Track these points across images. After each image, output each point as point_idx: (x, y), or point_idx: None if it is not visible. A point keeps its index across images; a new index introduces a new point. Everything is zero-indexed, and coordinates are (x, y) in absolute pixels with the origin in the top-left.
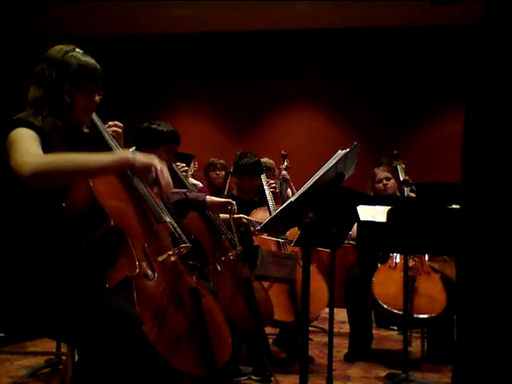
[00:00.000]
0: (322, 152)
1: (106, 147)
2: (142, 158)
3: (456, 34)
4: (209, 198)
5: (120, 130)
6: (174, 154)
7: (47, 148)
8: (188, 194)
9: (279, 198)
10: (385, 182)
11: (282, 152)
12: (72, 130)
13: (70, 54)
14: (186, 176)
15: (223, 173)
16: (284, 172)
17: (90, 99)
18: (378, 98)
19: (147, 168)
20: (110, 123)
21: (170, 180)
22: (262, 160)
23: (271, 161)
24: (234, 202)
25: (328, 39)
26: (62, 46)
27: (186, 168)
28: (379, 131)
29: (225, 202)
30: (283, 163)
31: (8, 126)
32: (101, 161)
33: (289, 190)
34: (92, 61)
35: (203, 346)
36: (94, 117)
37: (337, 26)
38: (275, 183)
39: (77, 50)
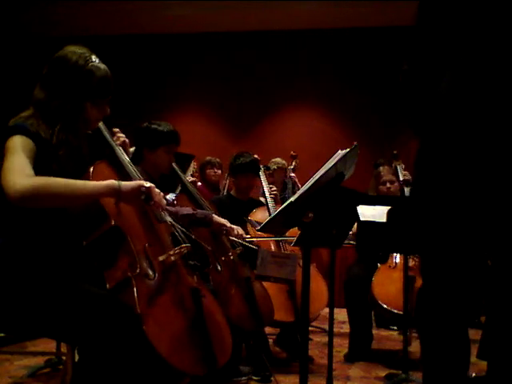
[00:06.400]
0: (322, 152)
1: (109, 148)
2: (128, 183)
3: None
4: (215, 218)
5: (126, 140)
6: (174, 154)
7: (52, 163)
8: (196, 213)
9: (279, 199)
10: (388, 185)
11: (292, 153)
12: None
13: (91, 64)
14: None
15: (220, 171)
16: (292, 174)
17: (101, 111)
18: (378, 98)
19: (135, 190)
20: (118, 134)
21: (162, 197)
22: (274, 160)
23: (284, 161)
24: (229, 226)
25: (328, 39)
26: (79, 51)
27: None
28: (379, 131)
29: (223, 224)
30: (291, 164)
31: (8, 130)
32: (88, 188)
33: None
34: (107, 70)
35: (203, 346)
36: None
37: (337, 26)
38: (287, 182)
39: (93, 57)
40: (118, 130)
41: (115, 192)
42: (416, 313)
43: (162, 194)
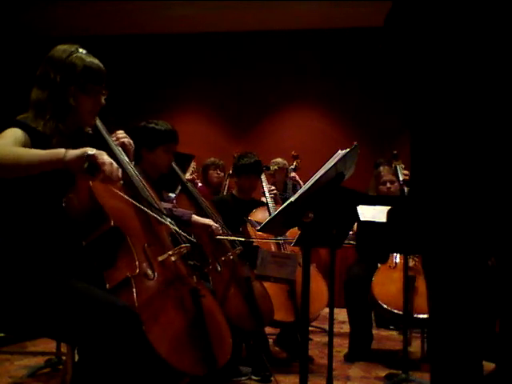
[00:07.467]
0: (322, 152)
1: (107, 148)
2: (74, 150)
3: None
4: (194, 217)
5: (130, 140)
6: (173, 153)
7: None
8: (174, 210)
9: (279, 199)
10: (388, 185)
11: (293, 153)
12: (75, 133)
13: (75, 55)
14: (195, 179)
15: (223, 174)
16: (293, 173)
17: (95, 101)
18: (378, 98)
19: (79, 158)
20: (119, 135)
21: (117, 168)
22: (275, 160)
23: (285, 161)
24: (214, 226)
25: (328, 39)
26: (65, 47)
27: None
28: (379, 131)
29: (206, 224)
30: (292, 164)
31: (9, 123)
32: (37, 156)
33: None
34: (96, 61)
35: (203, 346)
36: (97, 121)
37: (337, 26)
38: (288, 183)
39: (80, 50)
40: (121, 131)
41: (59, 161)
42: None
43: (115, 165)
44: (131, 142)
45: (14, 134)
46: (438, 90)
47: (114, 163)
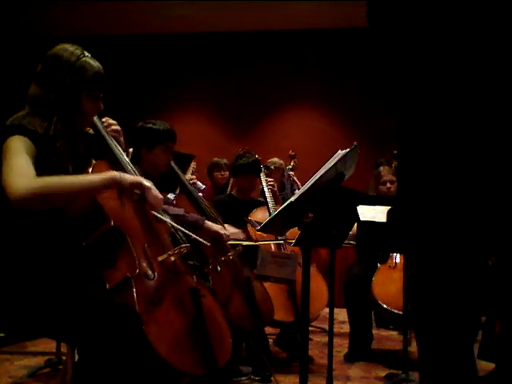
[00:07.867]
0: (322, 152)
1: (107, 148)
2: (129, 177)
3: None
4: (207, 223)
5: (118, 128)
6: (171, 152)
7: (50, 154)
8: (188, 215)
9: (279, 198)
10: (388, 185)
11: (290, 152)
12: (75, 134)
13: (83, 59)
14: (195, 181)
15: (227, 173)
16: (291, 172)
17: (95, 106)
18: (378, 98)
19: (134, 187)
20: (110, 121)
21: (160, 199)
22: (271, 160)
23: (281, 161)
24: (224, 235)
25: (328, 39)
26: (70, 49)
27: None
28: (379, 131)
29: (217, 232)
30: (290, 164)
31: (6, 130)
32: (89, 182)
33: (297, 191)
34: (101, 67)
35: (203, 346)
36: (95, 119)
37: (337, 26)
38: (286, 183)
39: (86, 53)
40: (108, 118)
41: (117, 185)
42: (413, 320)
43: (160, 197)
44: (119, 129)
45: (24, 146)
46: (425, 84)
47: (159, 196)
